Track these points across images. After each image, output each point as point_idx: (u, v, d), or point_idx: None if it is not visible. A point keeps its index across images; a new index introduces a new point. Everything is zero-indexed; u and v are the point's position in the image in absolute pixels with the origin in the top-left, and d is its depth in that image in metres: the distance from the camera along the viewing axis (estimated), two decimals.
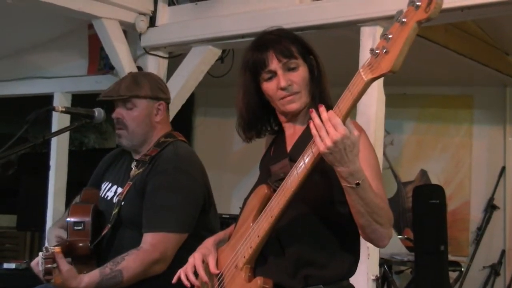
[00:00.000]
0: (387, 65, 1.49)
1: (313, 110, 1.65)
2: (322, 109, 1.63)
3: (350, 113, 1.64)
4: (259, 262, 1.89)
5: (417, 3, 1.45)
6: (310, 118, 1.67)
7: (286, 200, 1.75)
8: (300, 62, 1.95)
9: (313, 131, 1.63)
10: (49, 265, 2.32)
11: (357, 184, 1.65)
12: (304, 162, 1.70)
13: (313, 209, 1.86)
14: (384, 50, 1.50)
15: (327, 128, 1.60)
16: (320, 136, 1.61)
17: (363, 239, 1.84)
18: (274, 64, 1.93)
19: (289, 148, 1.99)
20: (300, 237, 1.86)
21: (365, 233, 1.79)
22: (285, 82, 1.91)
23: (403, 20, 1.47)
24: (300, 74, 1.94)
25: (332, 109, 1.63)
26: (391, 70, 1.49)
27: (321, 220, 1.86)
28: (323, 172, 1.79)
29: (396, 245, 5.74)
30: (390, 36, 1.49)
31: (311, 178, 1.75)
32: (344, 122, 1.60)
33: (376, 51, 1.52)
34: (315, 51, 2.01)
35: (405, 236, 5.82)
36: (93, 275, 2.42)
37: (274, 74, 1.93)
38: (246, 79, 2.00)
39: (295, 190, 1.73)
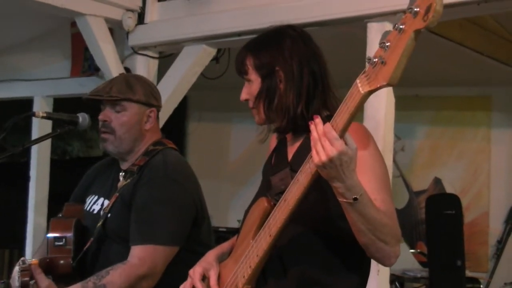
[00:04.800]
0: (384, 77, 1.48)
1: (312, 122, 1.65)
2: (317, 120, 1.63)
3: (356, 116, 1.64)
4: (260, 283, 1.88)
5: (415, 9, 1.43)
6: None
7: (284, 218, 1.75)
8: (253, 76, 1.96)
9: (312, 144, 1.64)
10: (25, 278, 2.32)
11: (355, 199, 1.65)
12: (302, 178, 1.70)
13: (316, 224, 1.85)
14: (381, 61, 1.48)
15: (323, 143, 1.60)
16: (316, 150, 1.62)
17: (369, 256, 1.85)
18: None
19: (290, 156, 2.00)
20: (303, 255, 1.86)
21: (369, 252, 1.79)
22: (242, 96, 1.99)
23: (401, 27, 1.46)
24: (253, 88, 1.97)
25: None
26: (389, 83, 1.48)
27: (324, 237, 1.85)
28: (324, 186, 1.79)
29: (409, 260, 5.74)
30: (387, 44, 1.48)
31: (311, 194, 1.74)
32: (342, 136, 1.60)
33: (374, 60, 1.50)
34: (286, 61, 1.92)
35: (418, 250, 5.82)
36: None
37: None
38: None
39: (293, 208, 1.73)
